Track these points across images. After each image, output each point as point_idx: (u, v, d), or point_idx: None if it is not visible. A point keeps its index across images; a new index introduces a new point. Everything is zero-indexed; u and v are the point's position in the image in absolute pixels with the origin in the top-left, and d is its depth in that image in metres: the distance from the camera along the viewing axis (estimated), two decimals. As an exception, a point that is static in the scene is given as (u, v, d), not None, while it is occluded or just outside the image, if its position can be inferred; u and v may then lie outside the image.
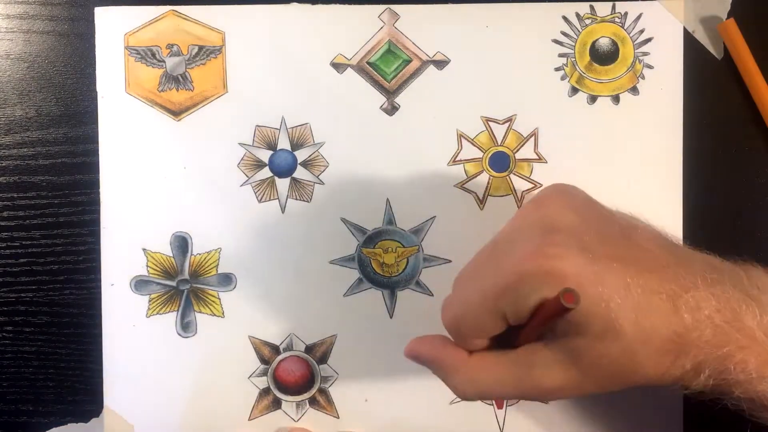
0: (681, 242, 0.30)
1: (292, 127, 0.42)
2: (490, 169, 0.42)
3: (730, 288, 0.28)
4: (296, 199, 0.42)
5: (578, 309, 0.26)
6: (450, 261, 0.42)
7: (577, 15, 0.42)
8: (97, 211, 0.42)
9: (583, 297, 0.26)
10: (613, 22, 0.42)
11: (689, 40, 0.42)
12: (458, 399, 0.42)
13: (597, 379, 0.29)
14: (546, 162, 0.42)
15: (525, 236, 0.29)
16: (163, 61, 0.42)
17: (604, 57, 0.42)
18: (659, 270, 0.28)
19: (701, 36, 0.42)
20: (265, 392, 0.43)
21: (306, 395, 0.43)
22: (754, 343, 0.27)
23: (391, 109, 0.42)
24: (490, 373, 0.31)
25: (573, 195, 0.30)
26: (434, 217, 0.42)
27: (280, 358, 0.43)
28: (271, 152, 0.42)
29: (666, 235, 0.30)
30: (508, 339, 0.31)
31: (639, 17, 0.42)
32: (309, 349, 0.43)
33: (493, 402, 0.42)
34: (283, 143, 0.42)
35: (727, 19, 0.42)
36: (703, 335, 0.27)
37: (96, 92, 0.42)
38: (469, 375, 0.31)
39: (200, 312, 0.42)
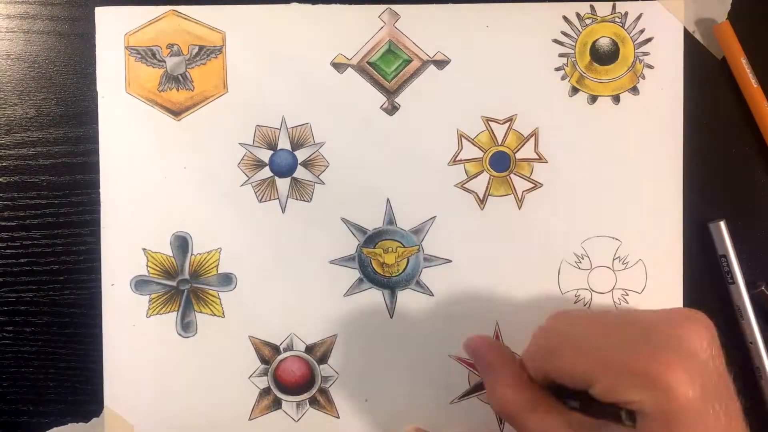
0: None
1: (293, 127, 0.42)
2: (490, 169, 0.42)
3: None
4: (296, 199, 0.42)
5: None
6: (450, 261, 0.42)
7: (578, 15, 0.42)
8: (97, 211, 0.42)
9: (678, 428, 0.27)
10: (614, 22, 0.42)
11: (689, 40, 0.42)
12: (458, 399, 0.42)
13: None
14: (546, 162, 0.42)
15: (664, 337, 0.29)
16: (164, 61, 0.42)
17: (605, 57, 0.42)
18: None
19: (701, 36, 0.42)
20: (265, 392, 0.43)
21: (306, 395, 0.43)
22: None
23: (391, 109, 0.42)
24: (533, 408, 0.32)
25: (715, 338, 0.31)
26: (434, 217, 0.42)
27: (280, 358, 0.43)
28: (271, 152, 0.42)
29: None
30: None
31: (639, 17, 0.42)
32: (309, 349, 0.43)
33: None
34: (284, 143, 0.42)
35: (727, 19, 0.42)
36: None
37: (96, 92, 0.42)
38: (513, 395, 0.32)
39: (200, 312, 0.42)
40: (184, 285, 0.42)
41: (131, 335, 0.42)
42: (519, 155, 0.42)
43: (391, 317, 0.42)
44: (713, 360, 0.29)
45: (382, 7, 0.42)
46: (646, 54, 0.42)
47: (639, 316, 0.32)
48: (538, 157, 0.42)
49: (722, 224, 0.41)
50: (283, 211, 0.42)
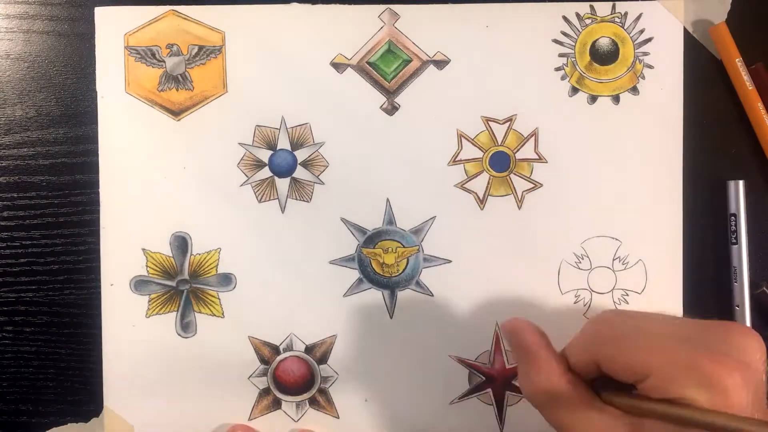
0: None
1: (292, 127, 0.42)
2: (490, 169, 0.42)
3: None
4: (296, 199, 0.42)
5: None
6: (450, 261, 0.42)
7: (577, 15, 0.42)
8: (97, 211, 0.42)
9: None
10: (613, 22, 0.42)
11: (689, 40, 0.42)
12: (458, 399, 0.42)
13: None
14: (546, 162, 0.42)
15: (724, 344, 0.29)
16: (163, 61, 0.42)
17: (605, 57, 0.42)
18: None
19: (701, 36, 0.42)
20: (265, 392, 0.43)
21: (306, 395, 0.43)
22: None
23: (391, 109, 0.42)
24: (569, 401, 0.31)
25: (765, 354, 0.31)
26: (434, 217, 0.42)
27: (280, 358, 0.43)
28: (271, 152, 0.42)
29: None
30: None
31: (639, 17, 0.42)
32: (309, 349, 0.43)
33: (493, 402, 0.42)
34: (283, 143, 0.42)
35: (725, 20, 0.42)
36: None
37: (96, 92, 0.42)
38: (546, 382, 0.32)
39: (200, 312, 0.42)
40: (184, 285, 0.42)
41: (131, 335, 0.42)
42: (519, 155, 0.42)
43: (391, 317, 0.42)
44: (762, 374, 0.29)
45: (382, 7, 0.42)
46: (645, 54, 0.42)
47: (694, 322, 0.32)
48: (538, 157, 0.42)
49: (741, 183, 0.42)
50: (283, 211, 0.42)
